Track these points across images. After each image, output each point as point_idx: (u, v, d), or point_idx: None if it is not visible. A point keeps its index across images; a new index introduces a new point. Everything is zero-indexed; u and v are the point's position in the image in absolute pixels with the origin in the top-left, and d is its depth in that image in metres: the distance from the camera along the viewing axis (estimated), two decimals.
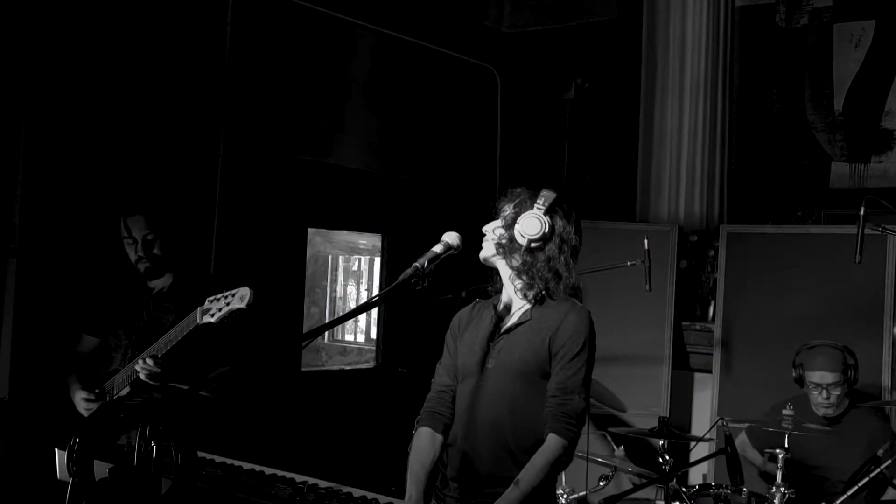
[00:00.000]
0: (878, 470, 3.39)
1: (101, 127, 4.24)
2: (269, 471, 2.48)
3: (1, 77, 3.94)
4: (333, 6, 5.29)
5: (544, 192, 2.61)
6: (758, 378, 4.85)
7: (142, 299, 3.47)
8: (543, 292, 2.60)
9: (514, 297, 2.65)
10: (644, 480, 3.73)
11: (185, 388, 3.27)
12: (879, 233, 3.46)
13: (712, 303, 5.33)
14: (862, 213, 3.24)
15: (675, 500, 3.48)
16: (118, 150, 4.29)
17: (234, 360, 3.34)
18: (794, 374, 3.96)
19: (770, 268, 4.99)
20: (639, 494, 3.72)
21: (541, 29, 6.59)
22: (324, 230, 6.13)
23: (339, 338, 7.53)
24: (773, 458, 3.45)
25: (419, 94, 5.93)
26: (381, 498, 2.30)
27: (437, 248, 2.37)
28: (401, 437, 4.25)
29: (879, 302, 4.64)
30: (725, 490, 3.57)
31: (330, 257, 7.50)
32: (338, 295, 7.58)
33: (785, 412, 3.57)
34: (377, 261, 6.24)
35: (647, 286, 4.44)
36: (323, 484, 2.38)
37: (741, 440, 4.08)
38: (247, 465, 2.53)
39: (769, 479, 3.63)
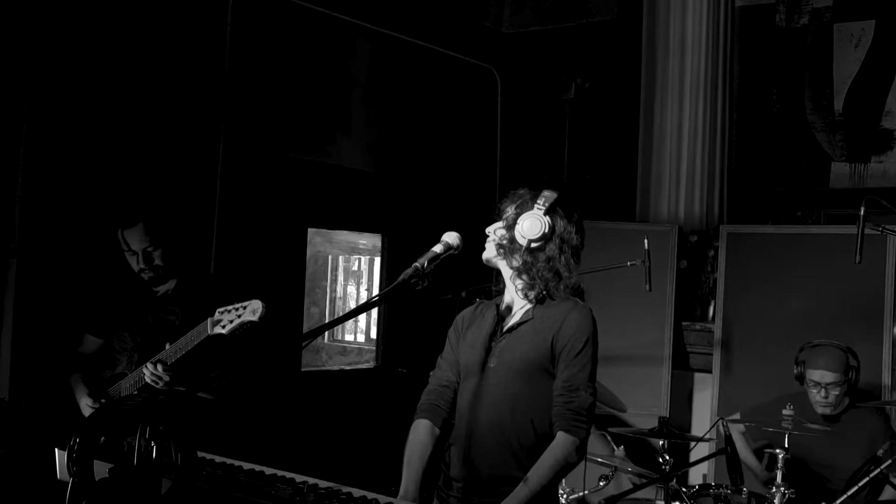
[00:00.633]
0: (878, 470, 3.39)
1: (102, 127, 4.24)
2: (269, 471, 2.48)
3: (1, 77, 3.94)
4: (333, 6, 5.29)
5: (545, 193, 2.62)
6: (758, 378, 4.85)
7: (146, 302, 3.47)
8: (544, 292, 2.60)
9: (515, 297, 2.66)
10: (644, 480, 3.73)
11: (185, 388, 3.28)
12: (879, 233, 3.46)
13: (712, 303, 5.33)
14: (862, 213, 3.24)
15: (675, 500, 3.48)
16: (118, 150, 4.29)
17: (237, 362, 3.34)
18: (795, 371, 3.97)
19: (770, 268, 4.99)
20: (639, 494, 3.72)
21: (540, 29, 6.59)
22: (324, 230, 6.13)
23: (339, 338, 7.53)
24: (773, 460, 3.45)
25: (419, 94, 5.93)
26: (381, 498, 2.30)
27: (437, 248, 2.38)
28: (401, 437, 4.26)
29: (879, 302, 4.64)
30: (725, 490, 3.57)
31: (330, 257, 7.50)
32: (338, 295, 7.58)
33: (785, 412, 3.57)
34: (377, 261, 6.24)
35: (647, 286, 4.44)
36: (323, 484, 2.38)
37: (740, 445, 4.07)
38: (247, 465, 2.52)
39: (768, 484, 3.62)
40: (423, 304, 3.95)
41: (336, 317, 6.35)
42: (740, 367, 5.02)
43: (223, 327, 3.00)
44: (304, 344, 2.79)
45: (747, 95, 5.93)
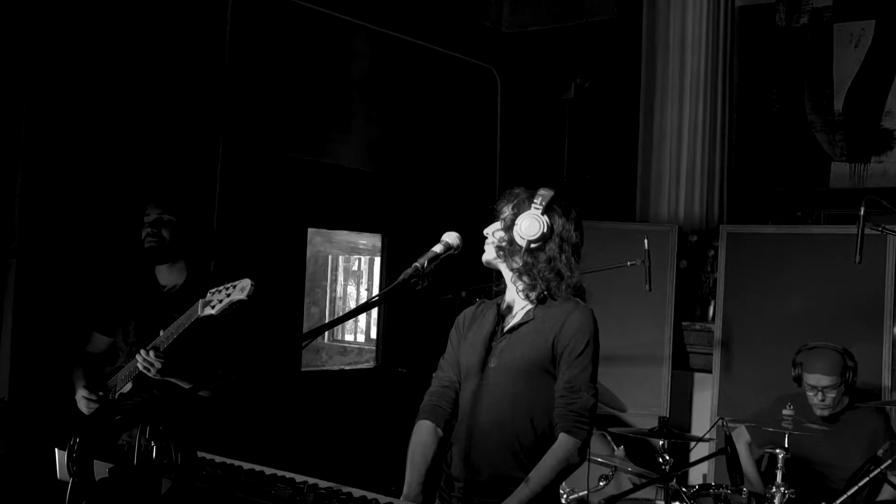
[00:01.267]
0: (878, 470, 3.39)
1: (101, 127, 4.24)
2: (269, 471, 2.48)
3: (1, 77, 3.94)
4: (333, 6, 5.29)
5: (541, 192, 2.60)
6: (758, 378, 4.85)
7: (152, 298, 3.47)
8: (545, 292, 2.59)
9: (516, 297, 2.65)
10: (644, 480, 3.73)
11: (185, 386, 3.28)
12: (879, 233, 3.46)
13: (712, 303, 5.33)
14: (862, 213, 3.24)
15: (675, 500, 3.48)
16: (118, 150, 4.29)
17: (235, 356, 3.33)
18: (793, 373, 3.97)
19: (770, 268, 4.99)
20: (639, 494, 3.72)
21: (540, 29, 6.59)
22: (324, 230, 6.13)
23: (339, 338, 7.53)
24: (773, 460, 3.45)
25: (419, 94, 5.93)
26: (381, 498, 2.30)
27: (437, 248, 2.37)
28: (401, 437, 4.26)
29: (879, 302, 4.64)
30: (725, 490, 3.57)
31: (330, 257, 7.50)
32: (338, 295, 7.58)
33: (785, 412, 3.57)
34: (377, 261, 6.24)
35: (647, 286, 4.44)
36: (323, 484, 2.37)
37: (744, 457, 4.06)
38: (247, 465, 2.52)
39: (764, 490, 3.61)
40: (423, 304, 3.95)
41: (336, 317, 6.35)
42: (740, 367, 5.02)
43: (213, 308, 3.00)
44: (304, 344, 2.79)
45: (747, 95, 5.93)
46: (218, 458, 2.58)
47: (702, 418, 5.27)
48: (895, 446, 3.68)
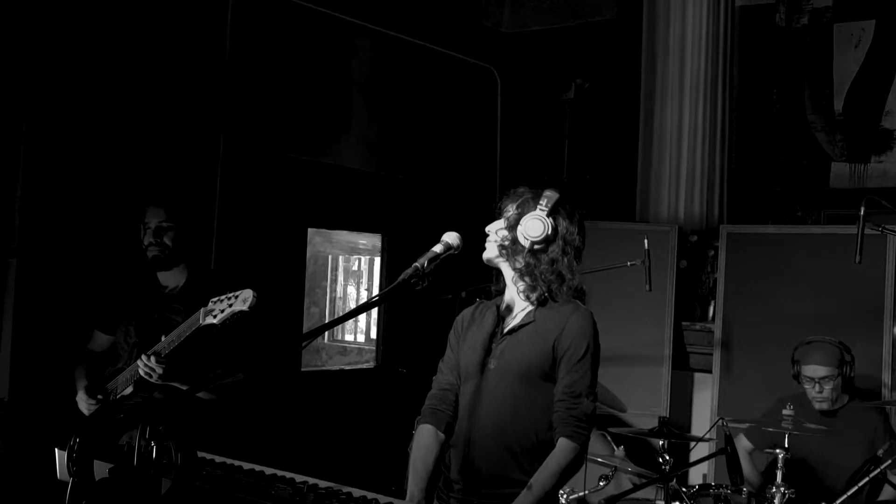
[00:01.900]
0: (879, 470, 3.39)
1: (102, 127, 4.24)
2: (269, 471, 2.48)
3: (1, 77, 3.94)
4: (333, 6, 5.29)
5: (547, 193, 2.60)
6: (758, 378, 4.85)
7: (153, 298, 3.47)
8: (546, 294, 2.59)
9: (516, 298, 2.64)
10: (644, 480, 3.73)
11: (185, 388, 3.28)
12: (879, 233, 3.46)
13: (712, 303, 5.33)
14: (862, 213, 3.24)
15: (675, 500, 3.48)
16: (118, 150, 4.29)
17: (236, 360, 3.34)
18: (792, 371, 3.98)
19: (770, 268, 4.99)
20: (639, 494, 3.71)
21: (541, 29, 6.59)
22: (324, 230, 6.13)
23: (339, 338, 7.53)
24: (773, 460, 3.45)
25: (419, 94, 5.93)
26: (381, 498, 2.30)
27: (437, 248, 2.37)
28: (401, 437, 4.26)
29: (879, 302, 4.64)
30: (725, 490, 3.57)
31: (330, 257, 7.50)
32: (338, 295, 7.58)
33: (785, 412, 3.57)
34: (377, 261, 6.24)
35: (647, 286, 4.44)
36: (323, 484, 2.38)
37: (745, 466, 4.05)
38: (247, 465, 2.52)
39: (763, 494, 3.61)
40: (423, 304, 3.95)
41: (336, 317, 6.35)
42: (740, 367, 5.02)
43: (214, 317, 3.01)
44: (304, 344, 2.79)
45: (747, 95, 5.93)
46: (218, 458, 2.58)
47: (702, 418, 5.27)
48: (895, 446, 3.69)
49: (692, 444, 4.68)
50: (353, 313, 2.30)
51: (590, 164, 6.35)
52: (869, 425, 3.90)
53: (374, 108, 5.67)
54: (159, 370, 3.15)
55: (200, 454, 2.53)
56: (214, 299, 3.06)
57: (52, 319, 4.01)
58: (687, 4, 5.76)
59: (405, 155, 5.86)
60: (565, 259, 2.59)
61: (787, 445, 3.47)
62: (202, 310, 3.07)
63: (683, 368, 5.37)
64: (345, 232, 6.40)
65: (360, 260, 7.63)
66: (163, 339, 3.20)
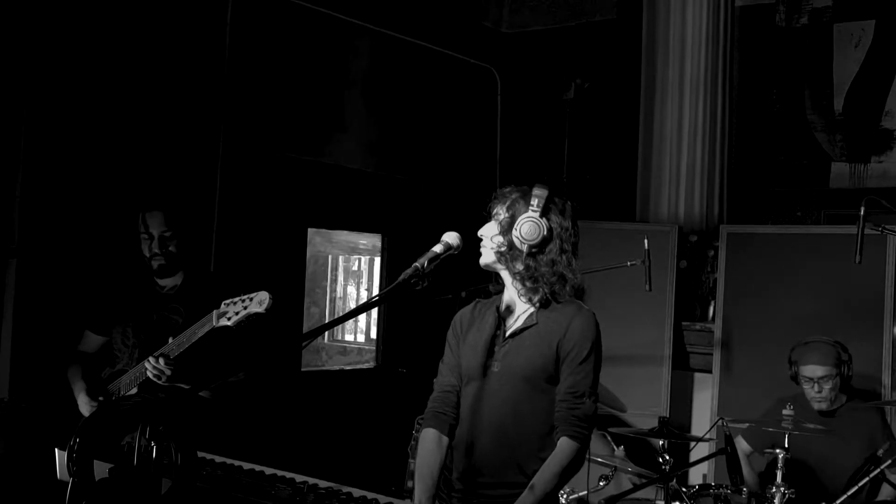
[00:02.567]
0: (878, 470, 3.39)
1: (101, 127, 4.24)
2: (269, 471, 2.48)
3: (1, 77, 3.94)
4: (333, 6, 5.29)
5: (536, 192, 2.57)
6: (758, 378, 4.85)
7: (151, 299, 3.47)
8: (549, 296, 2.57)
9: (517, 299, 2.63)
10: (644, 480, 3.73)
11: (187, 387, 3.27)
12: (879, 233, 3.46)
13: (712, 303, 5.33)
14: (862, 213, 3.24)
15: (675, 500, 3.48)
16: (118, 150, 4.30)
17: (238, 361, 3.33)
18: (789, 372, 3.98)
19: (770, 268, 4.99)
20: (639, 494, 3.71)
21: (541, 29, 6.59)
22: (324, 230, 6.13)
23: (339, 338, 7.53)
24: (773, 460, 3.45)
25: (419, 94, 5.93)
26: (381, 498, 2.30)
27: (437, 248, 2.36)
28: (401, 437, 4.26)
29: (879, 302, 4.64)
30: (725, 490, 3.57)
31: (330, 257, 7.50)
32: (338, 295, 7.59)
33: (785, 412, 3.57)
34: (377, 261, 6.24)
35: (647, 286, 4.43)
36: (323, 484, 2.38)
37: (744, 471, 4.03)
38: (247, 465, 2.52)
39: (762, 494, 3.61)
40: (423, 304, 3.95)
41: (336, 317, 6.35)
42: (740, 367, 5.02)
43: (228, 319, 2.99)
44: (304, 344, 2.79)
45: (747, 95, 5.93)
46: (218, 458, 2.58)
47: (702, 418, 5.27)
48: (895, 446, 3.69)
49: (692, 444, 4.68)
50: (353, 313, 2.30)
51: (590, 164, 6.35)
52: (868, 425, 3.90)
53: (373, 108, 5.67)
54: (168, 372, 3.14)
55: (200, 454, 2.53)
56: (227, 301, 3.03)
57: (51, 319, 4.01)
58: (687, 4, 5.76)
59: (405, 155, 5.86)
60: (564, 257, 2.57)
61: (787, 445, 3.47)
62: (215, 312, 3.04)
63: (683, 368, 5.37)
64: (345, 232, 6.40)
65: (360, 260, 7.63)
66: (170, 340, 3.18)
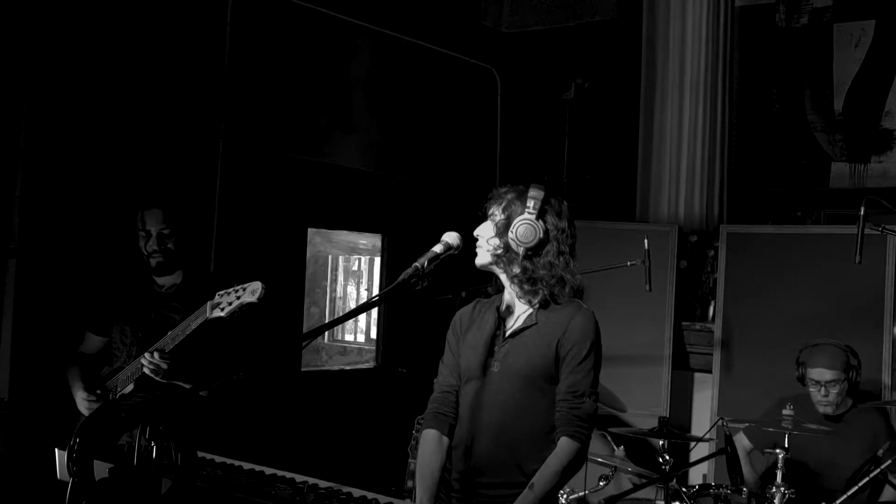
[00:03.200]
0: (878, 470, 3.39)
1: (101, 127, 4.24)
2: (269, 471, 2.48)
3: (1, 77, 3.94)
4: (333, 6, 5.29)
5: (532, 193, 2.56)
6: (758, 378, 4.85)
7: (149, 298, 3.47)
8: (548, 297, 2.57)
9: (516, 300, 2.63)
10: (644, 480, 3.73)
11: (187, 386, 3.27)
12: (879, 233, 3.46)
13: (712, 303, 5.33)
14: (862, 213, 3.24)
15: (675, 500, 3.48)
16: (118, 151, 4.29)
17: (239, 356, 3.33)
18: (796, 373, 3.96)
19: (770, 268, 4.99)
20: (639, 494, 3.71)
21: (541, 29, 6.59)
22: (324, 230, 6.13)
23: (339, 338, 7.53)
24: (773, 463, 3.45)
25: (419, 94, 5.93)
26: (381, 498, 2.30)
27: (437, 248, 2.36)
28: (401, 437, 4.26)
29: (879, 302, 4.64)
30: (725, 490, 3.57)
31: (330, 257, 7.50)
32: (338, 295, 7.58)
33: (785, 412, 3.57)
34: (377, 261, 6.24)
35: (647, 286, 4.43)
36: (323, 484, 2.38)
37: (744, 466, 4.03)
38: (247, 465, 2.52)
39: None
40: (423, 304, 3.95)
41: (336, 317, 6.35)
42: (740, 367, 5.02)
43: (222, 310, 2.99)
44: (304, 344, 2.79)
45: (747, 95, 5.93)
46: (218, 458, 2.58)
47: (702, 418, 5.27)
48: (895, 447, 3.68)
49: (692, 444, 4.68)
50: (353, 313, 2.30)
51: (590, 164, 6.35)
52: (871, 427, 3.88)
53: (373, 108, 5.67)
54: (164, 366, 3.13)
55: (200, 454, 2.53)
56: (221, 292, 3.04)
57: (51, 320, 4.00)
58: (687, 4, 5.76)
59: (405, 155, 5.86)
60: (562, 258, 2.56)
61: (787, 445, 3.47)
62: (208, 303, 3.04)
63: (683, 368, 5.37)
64: (345, 232, 6.40)
65: (360, 260, 7.63)
66: (169, 334, 3.19)
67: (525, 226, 2.53)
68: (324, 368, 6.64)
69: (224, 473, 2.44)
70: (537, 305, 2.58)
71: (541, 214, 2.55)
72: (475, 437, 2.58)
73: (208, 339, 3.19)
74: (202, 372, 3.27)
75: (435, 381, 2.74)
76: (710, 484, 3.87)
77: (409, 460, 4.13)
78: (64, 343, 3.70)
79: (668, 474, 3.50)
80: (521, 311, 2.62)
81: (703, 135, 5.71)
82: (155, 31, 4.42)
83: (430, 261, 2.30)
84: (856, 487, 3.35)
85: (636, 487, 3.51)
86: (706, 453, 4.33)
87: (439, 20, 6.06)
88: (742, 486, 3.49)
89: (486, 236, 2.62)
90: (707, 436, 4.12)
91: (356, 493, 2.31)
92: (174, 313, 3.35)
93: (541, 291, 2.56)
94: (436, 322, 3.13)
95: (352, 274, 7.69)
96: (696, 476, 5.09)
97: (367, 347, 7.05)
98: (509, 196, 2.60)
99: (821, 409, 3.87)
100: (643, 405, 5.03)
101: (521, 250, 2.54)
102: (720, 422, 3.80)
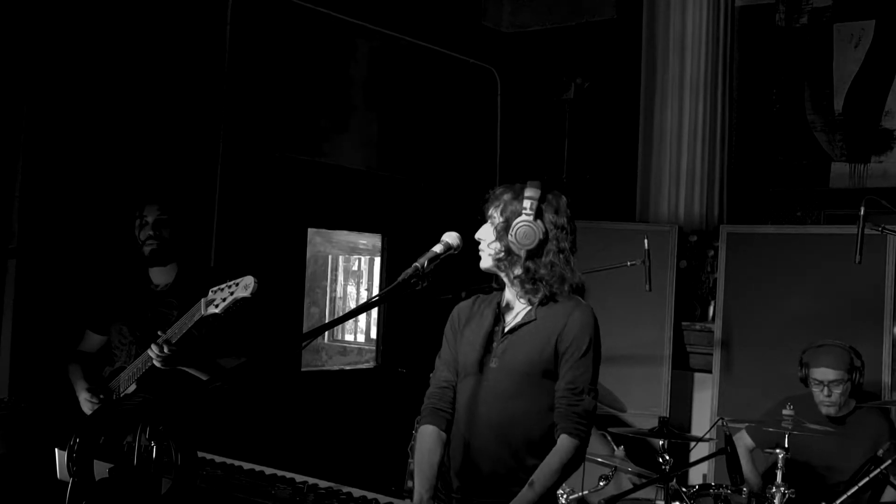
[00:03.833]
0: (879, 470, 3.39)
1: (101, 127, 4.24)
2: (269, 471, 2.48)
3: (1, 76, 3.94)
4: (333, 6, 5.29)
5: (528, 193, 2.55)
6: (758, 378, 4.85)
7: (145, 296, 3.47)
8: (549, 295, 2.57)
9: (516, 299, 2.63)
10: (644, 480, 3.73)
11: (202, 377, 3.28)
12: (879, 233, 3.46)
13: (712, 303, 5.33)
14: (862, 213, 3.24)
15: (675, 500, 3.48)
16: (118, 151, 4.30)
17: (243, 347, 3.34)
18: (799, 374, 3.96)
19: (770, 268, 4.99)
20: (639, 494, 3.72)
21: (540, 29, 6.59)
22: (324, 230, 6.13)
23: (339, 338, 7.53)
24: (772, 467, 3.45)
25: (419, 94, 5.93)
26: (381, 498, 2.30)
27: (437, 248, 2.37)
28: (401, 437, 4.26)
29: (880, 302, 4.64)
30: (725, 490, 3.57)
31: (330, 257, 7.49)
32: (338, 295, 7.58)
33: (785, 412, 3.56)
34: (377, 261, 6.24)
35: (647, 286, 4.44)
36: (323, 484, 2.38)
37: (745, 464, 4.03)
38: (247, 465, 2.53)
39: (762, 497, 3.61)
40: (423, 304, 3.94)
41: (336, 317, 6.35)
42: (740, 367, 5.02)
43: (216, 307, 3.00)
44: (304, 344, 2.79)
45: (747, 95, 5.93)
46: (218, 458, 2.58)
47: (702, 418, 5.27)
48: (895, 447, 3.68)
49: (692, 444, 4.68)
50: (353, 313, 2.31)
51: (590, 164, 6.35)
52: (872, 428, 3.88)
53: (374, 108, 5.67)
54: (168, 352, 3.13)
55: (200, 454, 2.53)
56: (214, 288, 3.04)
57: (51, 319, 4.01)
58: (687, 4, 5.76)
59: (405, 155, 5.86)
60: (562, 256, 2.56)
61: (787, 445, 3.47)
62: (203, 300, 3.05)
63: (683, 368, 5.37)
64: (345, 232, 6.40)
65: (360, 260, 7.63)
66: (159, 333, 3.19)
67: (524, 227, 2.53)
68: (324, 368, 6.64)
69: (224, 473, 2.44)
70: (537, 302, 2.58)
71: (538, 214, 2.54)
72: (472, 434, 2.58)
73: (206, 333, 3.22)
74: (205, 360, 3.28)
75: (431, 375, 2.74)
76: (710, 484, 3.88)
77: (409, 460, 4.13)
78: (64, 342, 3.70)
79: (668, 474, 3.51)
80: (520, 308, 2.62)
81: (703, 135, 5.71)
82: (155, 30, 4.42)
83: (430, 261, 2.31)
84: (856, 487, 3.36)
85: (636, 487, 3.51)
86: (706, 453, 4.33)
87: (439, 20, 6.06)
88: (742, 486, 3.49)
89: (486, 240, 2.62)
90: (707, 436, 4.12)
91: (356, 492, 2.32)
92: (170, 310, 3.35)
93: (542, 290, 2.56)
94: (436, 322, 3.12)
95: (352, 274, 7.69)
96: (696, 476, 5.10)
97: (367, 347, 7.04)
98: (505, 197, 2.60)
99: (823, 410, 3.87)
100: (643, 405, 5.03)
101: (521, 252, 2.54)
102: (720, 422, 3.80)
